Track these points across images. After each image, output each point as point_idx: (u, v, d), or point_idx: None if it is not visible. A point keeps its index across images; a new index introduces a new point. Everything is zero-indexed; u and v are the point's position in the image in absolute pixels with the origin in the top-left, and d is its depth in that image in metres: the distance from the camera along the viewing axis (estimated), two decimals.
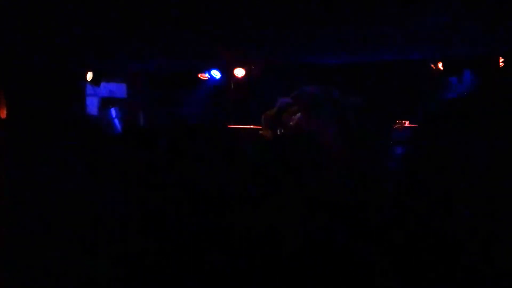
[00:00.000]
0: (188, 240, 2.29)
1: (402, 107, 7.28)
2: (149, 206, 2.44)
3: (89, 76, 7.87)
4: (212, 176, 2.59)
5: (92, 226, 2.39)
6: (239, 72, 8.23)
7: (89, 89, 8.27)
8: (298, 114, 4.94)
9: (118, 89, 9.00)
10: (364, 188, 2.73)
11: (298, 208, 2.46)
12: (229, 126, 7.00)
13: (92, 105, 8.52)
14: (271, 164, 2.92)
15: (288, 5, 4.48)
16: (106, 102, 8.58)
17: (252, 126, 6.73)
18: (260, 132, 5.85)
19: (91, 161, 2.89)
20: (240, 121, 7.32)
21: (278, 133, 6.43)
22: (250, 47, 6.82)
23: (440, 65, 7.26)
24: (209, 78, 8.56)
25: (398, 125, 6.92)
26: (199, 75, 8.55)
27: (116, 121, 8.12)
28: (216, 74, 8.40)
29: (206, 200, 2.40)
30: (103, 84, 8.30)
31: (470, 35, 5.71)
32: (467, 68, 7.06)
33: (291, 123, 5.17)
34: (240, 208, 2.38)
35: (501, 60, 6.70)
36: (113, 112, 8.22)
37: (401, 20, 4.97)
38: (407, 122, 6.95)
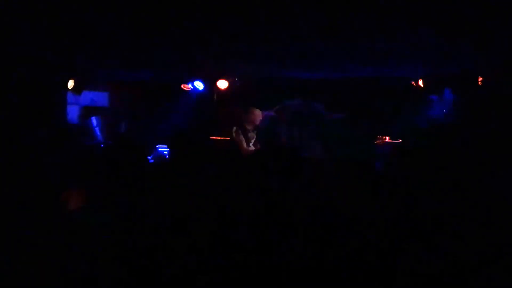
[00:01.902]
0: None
1: (383, 123, 7.36)
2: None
3: (70, 84, 7.77)
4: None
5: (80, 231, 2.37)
6: (222, 84, 8.22)
7: (70, 97, 8.16)
8: None
9: (99, 98, 8.91)
10: (346, 201, 2.75)
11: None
12: (211, 137, 6.99)
13: (73, 114, 8.41)
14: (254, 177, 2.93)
15: (272, 20, 4.51)
16: (87, 111, 8.48)
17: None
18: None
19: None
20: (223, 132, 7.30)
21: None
22: (233, 61, 6.84)
23: (420, 83, 7.37)
24: (192, 89, 8.53)
25: (379, 141, 6.99)
26: (182, 86, 8.51)
27: (97, 130, 8.04)
28: (199, 85, 8.36)
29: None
30: (84, 93, 8.21)
31: (451, 54, 5.82)
32: (448, 87, 7.19)
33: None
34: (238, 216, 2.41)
35: (480, 79, 6.82)
36: (94, 121, 8.13)
37: (385, 38, 5.04)
38: (387, 138, 7.02)
